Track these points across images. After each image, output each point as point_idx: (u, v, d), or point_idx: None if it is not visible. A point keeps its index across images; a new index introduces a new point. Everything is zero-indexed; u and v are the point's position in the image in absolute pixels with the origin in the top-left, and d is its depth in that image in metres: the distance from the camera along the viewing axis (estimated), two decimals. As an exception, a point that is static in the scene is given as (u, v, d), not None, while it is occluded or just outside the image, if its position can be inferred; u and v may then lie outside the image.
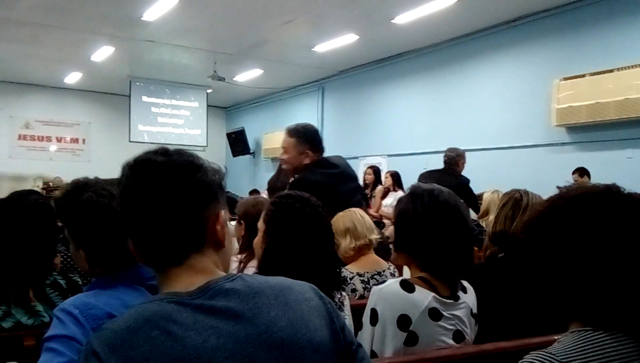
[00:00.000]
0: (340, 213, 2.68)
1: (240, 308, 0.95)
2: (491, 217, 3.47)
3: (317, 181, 2.80)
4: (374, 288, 1.71)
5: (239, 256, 2.31)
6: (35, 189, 10.62)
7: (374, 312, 1.64)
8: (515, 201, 2.16)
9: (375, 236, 2.70)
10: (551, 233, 1.07)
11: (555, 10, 6.93)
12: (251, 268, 2.09)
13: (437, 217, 1.67)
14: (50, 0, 7.14)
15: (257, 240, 1.81)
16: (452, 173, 5.40)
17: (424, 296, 1.63)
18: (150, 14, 7.60)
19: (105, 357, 0.87)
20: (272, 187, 6.57)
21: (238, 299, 0.97)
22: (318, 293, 1.07)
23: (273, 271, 1.54)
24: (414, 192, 1.75)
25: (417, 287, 1.64)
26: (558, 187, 1.15)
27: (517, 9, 7.13)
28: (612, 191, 1.08)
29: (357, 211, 2.72)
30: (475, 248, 4.34)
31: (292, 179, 3.02)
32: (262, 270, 1.75)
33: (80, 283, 1.99)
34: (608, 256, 1.01)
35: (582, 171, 6.64)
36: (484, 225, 4.31)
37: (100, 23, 8.11)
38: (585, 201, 1.06)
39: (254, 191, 8.35)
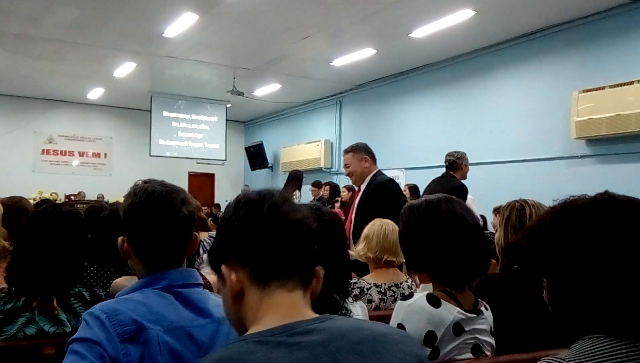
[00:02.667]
0: (378, 220, 2.74)
1: (320, 349, 0.92)
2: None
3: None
4: (401, 303, 1.66)
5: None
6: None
7: (401, 328, 1.60)
8: (517, 211, 2.15)
9: (392, 258, 2.69)
10: (553, 242, 1.06)
11: (574, 23, 6.91)
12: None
13: (432, 226, 1.66)
14: (75, 17, 7.34)
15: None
16: (449, 178, 5.26)
17: (449, 312, 1.62)
18: (171, 31, 7.76)
19: None
20: None
21: (320, 337, 0.94)
22: (417, 352, 1.01)
23: None
24: (409, 207, 1.76)
25: (443, 302, 1.63)
26: (554, 200, 1.14)
27: (535, 22, 7.12)
28: (607, 198, 1.07)
29: (388, 226, 2.72)
30: (494, 261, 4.31)
31: (367, 186, 3.69)
32: None
33: (103, 297, 2.04)
34: (612, 262, 0.99)
35: (414, 190, 6.71)
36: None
37: (122, 40, 8.30)
38: (583, 209, 1.06)
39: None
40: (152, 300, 1.30)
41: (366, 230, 2.73)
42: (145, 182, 1.42)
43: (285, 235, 1.03)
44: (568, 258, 1.03)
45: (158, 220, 1.35)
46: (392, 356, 0.96)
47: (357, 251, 2.69)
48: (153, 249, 1.36)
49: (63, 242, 1.85)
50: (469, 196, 5.27)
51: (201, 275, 2.19)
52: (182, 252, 1.41)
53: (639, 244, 0.98)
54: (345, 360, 0.92)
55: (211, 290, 2.11)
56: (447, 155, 5.42)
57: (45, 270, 1.81)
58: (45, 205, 2.04)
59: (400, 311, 1.64)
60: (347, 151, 3.86)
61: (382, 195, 3.43)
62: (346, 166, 3.84)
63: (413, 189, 7.25)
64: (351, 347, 0.94)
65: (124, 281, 2.08)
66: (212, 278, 2.21)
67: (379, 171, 3.78)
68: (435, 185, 5.22)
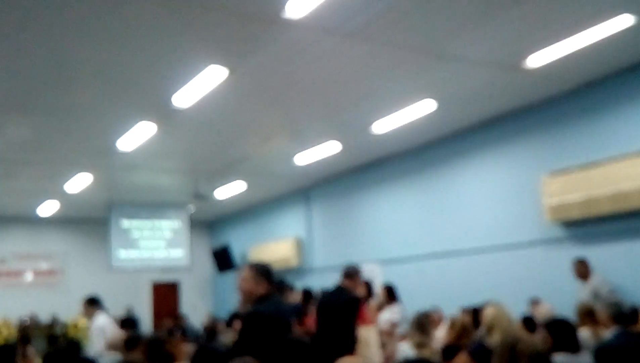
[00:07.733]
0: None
1: None
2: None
3: (266, 313, 3.65)
4: None
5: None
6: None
7: None
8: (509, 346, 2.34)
9: None
10: None
11: (536, 107, 6.94)
12: None
13: None
14: (26, 137, 7.07)
15: None
16: (342, 291, 5.34)
17: None
18: (128, 142, 7.50)
19: None
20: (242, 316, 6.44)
21: None
22: None
23: None
24: None
25: None
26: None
27: (497, 108, 7.17)
28: None
29: None
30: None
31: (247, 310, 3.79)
32: None
33: None
34: None
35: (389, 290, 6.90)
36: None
37: (75, 155, 8.03)
38: None
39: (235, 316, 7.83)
40: None
41: None
42: None
43: None
44: None
45: None
46: None
47: None
48: None
49: None
50: None
51: None
52: None
53: None
54: None
55: None
56: (344, 268, 5.48)
57: None
58: None
59: None
60: (250, 268, 3.88)
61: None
62: (243, 279, 3.88)
63: (389, 290, 7.00)
64: None
65: None
66: None
67: (266, 295, 3.77)
68: (330, 299, 5.36)
